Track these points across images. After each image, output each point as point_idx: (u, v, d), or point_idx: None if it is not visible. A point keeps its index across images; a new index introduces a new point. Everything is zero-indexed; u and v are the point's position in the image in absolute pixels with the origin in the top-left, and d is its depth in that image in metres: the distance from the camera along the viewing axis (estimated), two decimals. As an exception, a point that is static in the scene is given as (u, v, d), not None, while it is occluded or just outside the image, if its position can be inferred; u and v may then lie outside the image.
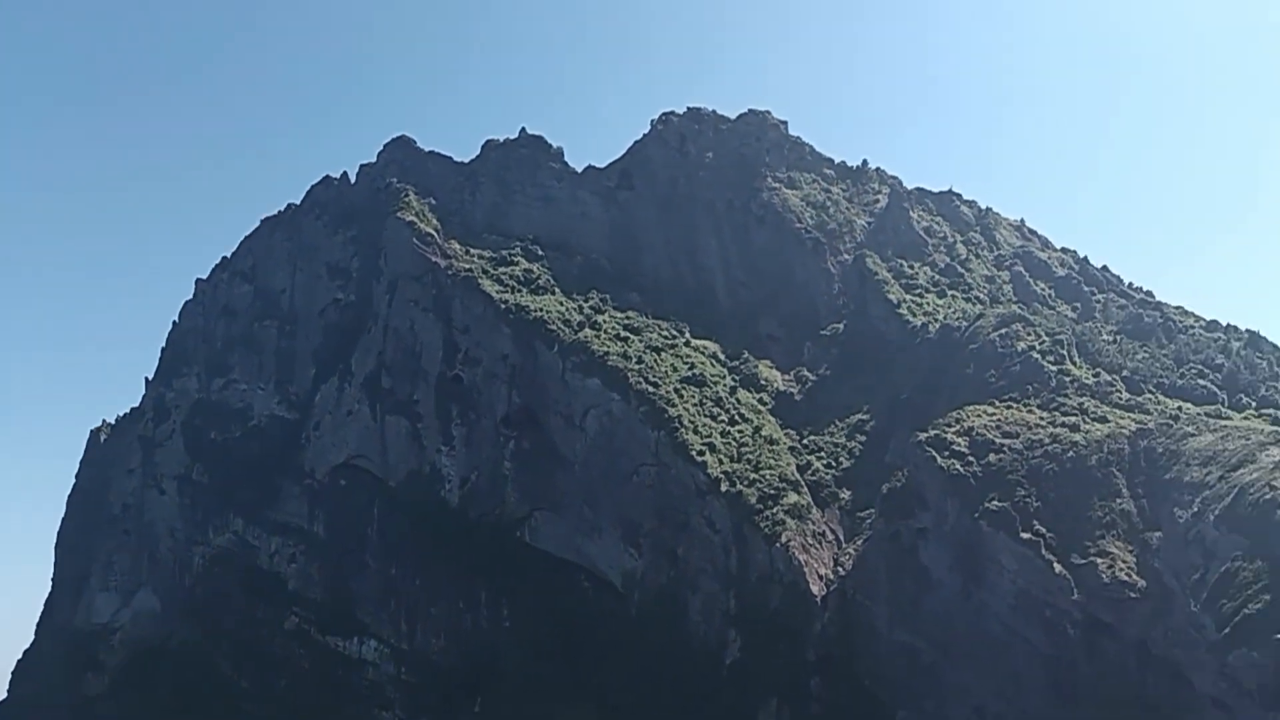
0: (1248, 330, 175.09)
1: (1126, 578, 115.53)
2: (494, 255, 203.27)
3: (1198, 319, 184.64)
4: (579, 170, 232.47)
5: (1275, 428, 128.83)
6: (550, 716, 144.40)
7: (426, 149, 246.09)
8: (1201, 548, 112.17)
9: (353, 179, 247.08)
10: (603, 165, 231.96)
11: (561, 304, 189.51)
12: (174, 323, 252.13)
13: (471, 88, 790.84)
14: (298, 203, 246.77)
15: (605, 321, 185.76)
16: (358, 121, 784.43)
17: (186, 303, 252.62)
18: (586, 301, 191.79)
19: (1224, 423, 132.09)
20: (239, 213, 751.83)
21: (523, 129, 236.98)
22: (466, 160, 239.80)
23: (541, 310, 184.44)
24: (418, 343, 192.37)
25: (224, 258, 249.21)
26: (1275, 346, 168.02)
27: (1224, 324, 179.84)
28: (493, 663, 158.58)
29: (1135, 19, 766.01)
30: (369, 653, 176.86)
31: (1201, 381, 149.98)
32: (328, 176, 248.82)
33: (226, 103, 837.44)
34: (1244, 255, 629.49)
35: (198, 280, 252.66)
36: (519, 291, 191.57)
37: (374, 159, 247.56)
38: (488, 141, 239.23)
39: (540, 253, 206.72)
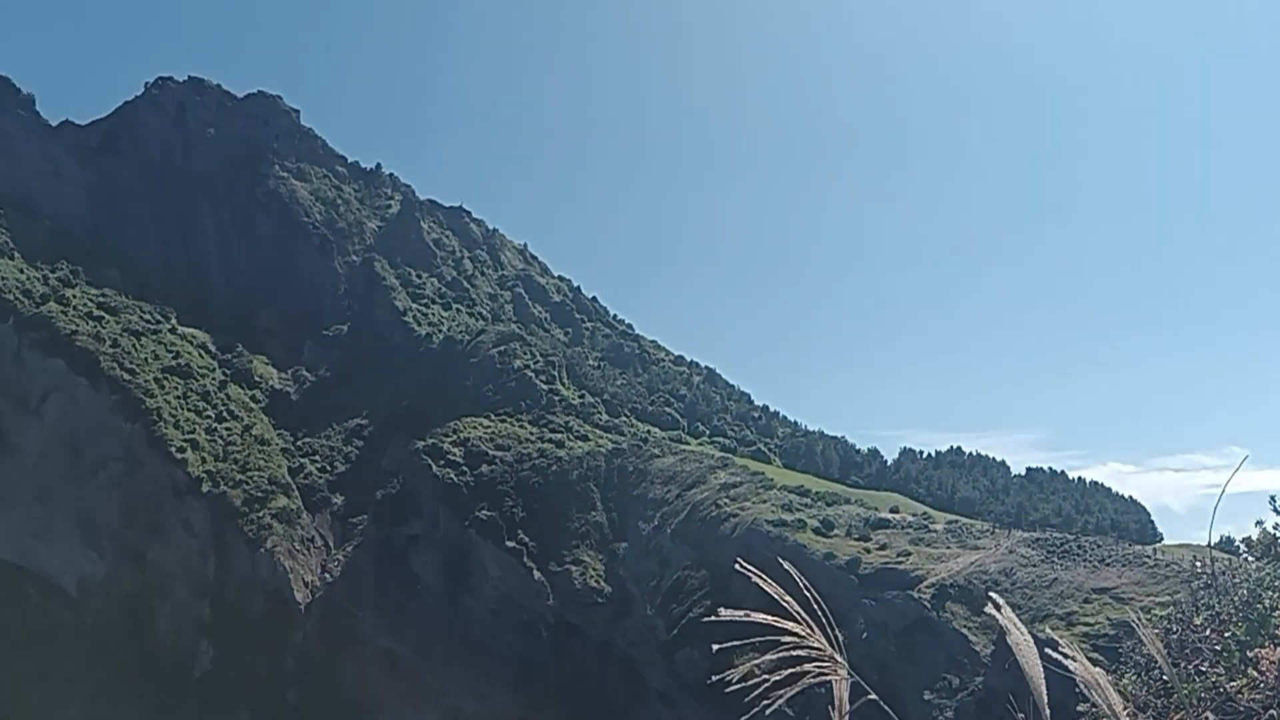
0: (707, 367, 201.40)
1: (595, 584, 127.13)
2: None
3: (668, 353, 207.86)
4: (54, 125, 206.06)
5: (724, 454, 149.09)
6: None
7: None
8: (659, 557, 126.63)
9: None
10: (84, 123, 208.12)
11: (22, 271, 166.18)
12: None
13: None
14: None
15: (75, 297, 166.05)
16: None
17: None
18: (54, 272, 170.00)
19: (684, 447, 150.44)
20: None
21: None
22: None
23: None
24: None
25: None
26: (728, 383, 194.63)
27: (688, 359, 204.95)
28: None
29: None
30: None
31: (668, 409, 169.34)
32: None
33: None
34: (704, 299, 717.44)
35: None
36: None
37: None
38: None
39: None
